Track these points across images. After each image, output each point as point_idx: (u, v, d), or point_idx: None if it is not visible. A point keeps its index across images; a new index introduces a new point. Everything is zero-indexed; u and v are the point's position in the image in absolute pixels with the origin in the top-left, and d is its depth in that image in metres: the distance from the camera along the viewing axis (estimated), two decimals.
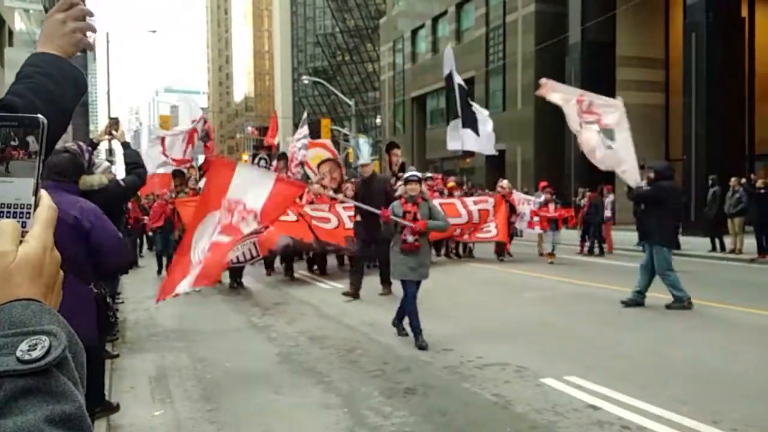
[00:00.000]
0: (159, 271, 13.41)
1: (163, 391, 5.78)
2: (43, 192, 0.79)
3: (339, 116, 65.75)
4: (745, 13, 22.82)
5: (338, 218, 12.70)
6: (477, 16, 33.35)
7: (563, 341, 7.20)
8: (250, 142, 69.14)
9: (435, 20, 38.06)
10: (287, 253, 12.75)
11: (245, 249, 10.51)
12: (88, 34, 1.51)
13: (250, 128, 79.67)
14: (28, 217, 0.77)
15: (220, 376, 6.18)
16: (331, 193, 12.63)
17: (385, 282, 10.51)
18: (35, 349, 0.65)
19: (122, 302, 10.10)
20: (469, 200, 15.51)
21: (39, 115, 0.79)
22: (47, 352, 0.65)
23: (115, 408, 5.02)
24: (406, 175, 7.73)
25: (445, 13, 36.66)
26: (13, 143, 0.77)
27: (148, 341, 7.65)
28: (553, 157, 27.31)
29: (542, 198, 15.91)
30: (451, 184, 17.42)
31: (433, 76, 37.59)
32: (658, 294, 9.00)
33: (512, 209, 15.50)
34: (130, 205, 13.79)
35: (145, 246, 19.68)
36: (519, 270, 13.74)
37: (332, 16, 77.01)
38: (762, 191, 14.34)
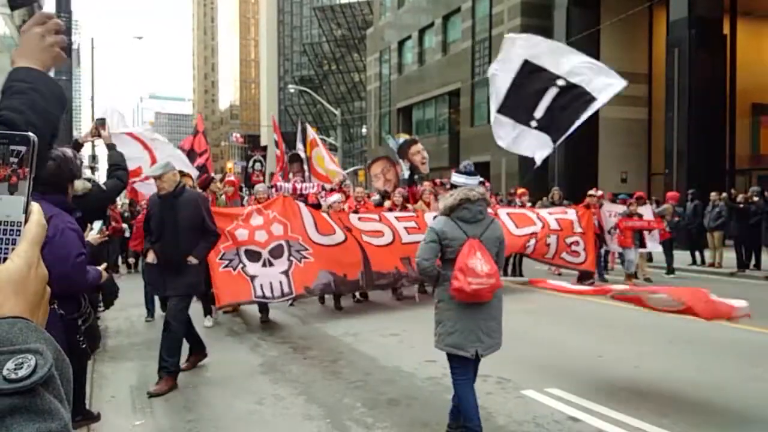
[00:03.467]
0: (150, 313, 9.50)
1: (144, 400, 5.75)
2: (35, 207, 0.80)
3: (325, 125, 65.79)
4: (726, 30, 23.17)
5: (393, 231, 10.02)
6: (463, 28, 33.56)
7: (545, 353, 7.24)
8: (235, 150, 68.94)
9: (422, 32, 38.24)
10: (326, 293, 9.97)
11: (275, 281, 8.74)
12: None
13: (235, 136, 79.46)
14: (18, 234, 0.78)
15: (202, 386, 6.16)
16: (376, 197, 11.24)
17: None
18: (21, 367, 0.65)
19: (103, 310, 10.00)
20: (542, 211, 12.74)
21: (29, 133, 0.80)
22: (33, 371, 0.65)
23: (96, 417, 4.98)
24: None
25: (431, 25, 36.86)
26: (12, 161, 0.79)
27: (130, 350, 7.60)
28: (537, 169, 27.44)
29: (627, 209, 13.08)
30: (521, 190, 14.54)
31: (419, 87, 37.79)
32: (637, 307, 9.05)
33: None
34: (110, 212, 12.31)
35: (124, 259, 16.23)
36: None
37: (319, 25, 77.13)
38: (742, 206, 14.53)
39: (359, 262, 9.57)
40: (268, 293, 8.67)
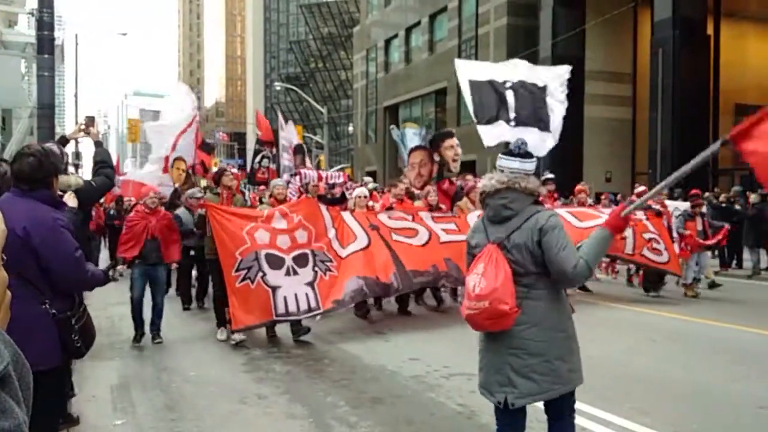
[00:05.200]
0: (137, 337, 7.79)
1: (125, 399, 5.69)
2: None
3: (311, 123, 65.65)
4: (710, 30, 23.37)
5: (428, 230, 8.88)
6: (450, 27, 33.62)
7: None
8: (221, 148, 68.62)
9: (408, 30, 38.27)
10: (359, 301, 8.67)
11: (300, 292, 7.59)
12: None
13: (220, 133, 79.08)
14: None
15: (184, 385, 6.10)
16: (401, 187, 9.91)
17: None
18: None
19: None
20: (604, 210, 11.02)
21: None
22: None
23: (76, 421, 4.91)
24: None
25: (418, 23, 36.89)
26: None
27: (111, 349, 7.53)
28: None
29: (685, 210, 11.76)
30: (579, 187, 12.53)
31: (405, 85, 37.81)
32: (627, 306, 9.13)
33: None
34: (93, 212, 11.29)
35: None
36: None
37: (306, 23, 76.96)
38: (724, 205, 14.66)
39: (389, 262, 8.35)
40: (292, 308, 7.48)
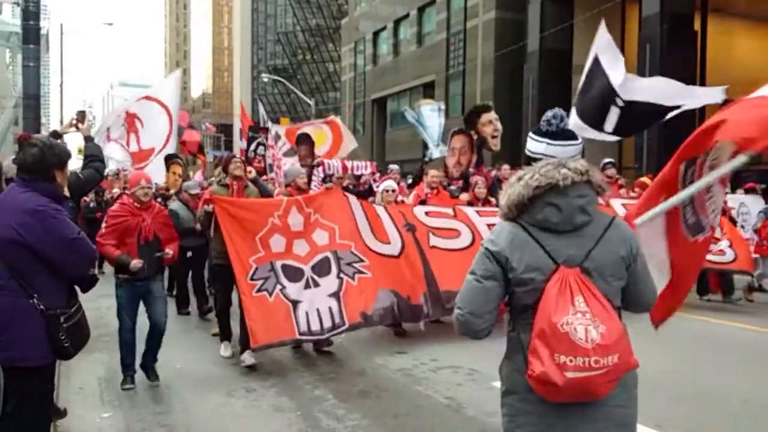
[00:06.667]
0: (129, 379, 5.80)
1: (112, 392, 5.69)
2: None
3: (299, 115, 65.37)
4: (698, 26, 23.52)
5: (472, 230, 7.64)
6: (438, 20, 33.57)
7: None
8: (207, 139, 68.18)
9: (397, 23, 38.17)
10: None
11: (323, 306, 6.52)
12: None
13: (207, 125, 78.59)
14: None
15: (172, 378, 6.09)
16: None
17: None
18: None
19: None
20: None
21: None
22: None
23: (63, 413, 4.90)
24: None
25: (407, 16, 36.80)
26: None
27: (99, 341, 7.48)
28: (511, 162, 27.66)
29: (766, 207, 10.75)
30: (642, 179, 11.28)
31: (394, 78, 37.74)
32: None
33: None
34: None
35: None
36: None
37: (294, 14, 76.57)
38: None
39: (421, 278, 7.22)
40: (315, 326, 6.41)
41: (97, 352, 7.01)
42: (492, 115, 9.49)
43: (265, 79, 66.54)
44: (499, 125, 9.50)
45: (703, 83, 24.21)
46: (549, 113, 2.48)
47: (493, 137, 9.42)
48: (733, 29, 26.37)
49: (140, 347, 5.95)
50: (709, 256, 9.00)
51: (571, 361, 2.10)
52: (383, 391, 5.63)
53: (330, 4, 71.04)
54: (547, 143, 2.44)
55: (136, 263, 5.58)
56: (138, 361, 5.94)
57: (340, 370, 6.33)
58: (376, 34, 40.75)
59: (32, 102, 9.72)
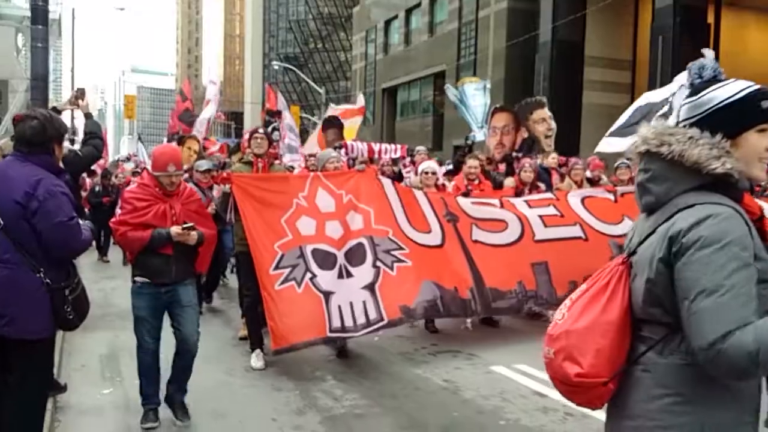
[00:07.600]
0: (152, 416, 4.57)
1: (113, 369, 5.75)
2: None
3: (309, 104, 65.38)
4: (711, 19, 23.30)
5: (522, 221, 6.80)
6: (450, 9, 33.40)
7: (517, 333, 7.28)
8: (218, 127, 68.29)
9: (408, 12, 38.01)
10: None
11: (357, 300, 5.73)
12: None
13: (217, 113, 78.73)
14: None
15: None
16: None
17: None
18: None
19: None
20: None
21: None
22: None
23: (63, 388, 4.95)
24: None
25: (419, 5, 36.63)
26: None
27: (102, 320, 7.56)
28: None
29: None
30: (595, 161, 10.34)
31: (404, 68, 37.62)
32: None
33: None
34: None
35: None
36: None
37: (306, 2, 76.43)
38: None
39: (466, 272, 6.41)
40: (348, 322, 5.63)
41: (101, 330, 7.08)
42: (546, 113, 8.71)
43: (276, 67, 66.51)
44: (553, 123, 8.69)
45: None
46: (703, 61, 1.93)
47: (547, 137, 8.63)
48: (747, 23, 26.13)
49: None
50: None
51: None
52: (382, 374, 5.65)
53: None
54: (691, 102, 1.86)
55: (176, 228, 4.26)
56: (162, 390, 4.72)
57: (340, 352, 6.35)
58: (387, 23, 40.61)
59: (40, 84, 9.68)
